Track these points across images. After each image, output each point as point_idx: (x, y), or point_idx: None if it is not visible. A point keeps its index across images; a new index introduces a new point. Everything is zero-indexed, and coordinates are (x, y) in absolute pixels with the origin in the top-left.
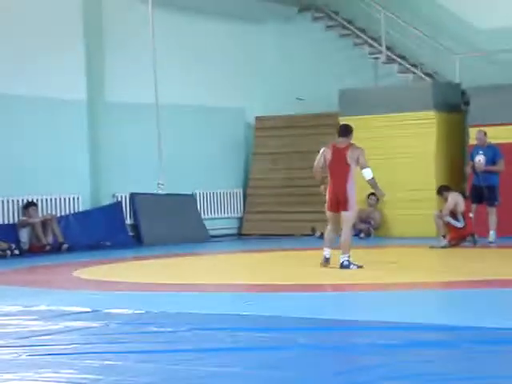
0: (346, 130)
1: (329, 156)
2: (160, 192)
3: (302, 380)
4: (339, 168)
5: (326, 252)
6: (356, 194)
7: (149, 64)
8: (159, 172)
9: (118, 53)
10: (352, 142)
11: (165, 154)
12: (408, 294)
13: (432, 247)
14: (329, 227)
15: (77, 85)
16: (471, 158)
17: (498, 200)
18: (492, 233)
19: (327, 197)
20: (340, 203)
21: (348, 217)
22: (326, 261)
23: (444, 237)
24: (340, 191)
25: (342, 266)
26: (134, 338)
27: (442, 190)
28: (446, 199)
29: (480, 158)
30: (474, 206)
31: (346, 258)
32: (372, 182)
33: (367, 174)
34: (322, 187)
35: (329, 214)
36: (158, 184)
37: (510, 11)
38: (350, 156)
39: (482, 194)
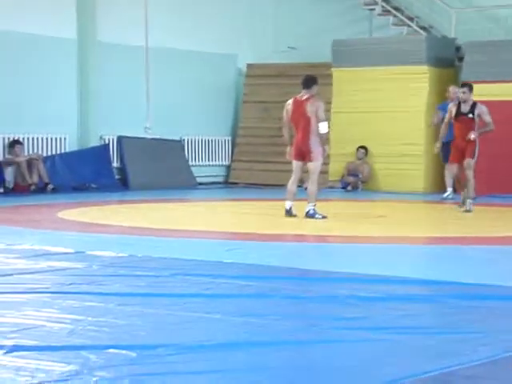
0: (307, 82)
1: (290, 108)
2: (147, 136)
3: (280, 328)
4: (300, 120)
5: (287, 204)
6: (320, 145)
7: (141, 5)
8: (147, 116)
9: None
10: (314, 93)
11: (154, 98)
12: (392, 247)
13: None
14: (291, 178)
15: (67, 23)
16: (442, 110)
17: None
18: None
19: (292, 147)
20: (304, 154)
21: (313, 167)
22: (287, 212)
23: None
24: (303, 143)
25: (308, 215)
26: (116, 280)
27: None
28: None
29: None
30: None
31: (312, 207)
32: (324, 137)
33: (323, 127)
34: (288, 151)
35: (293, 163)
36: (145, 128)
37: None
38: (310, 108)
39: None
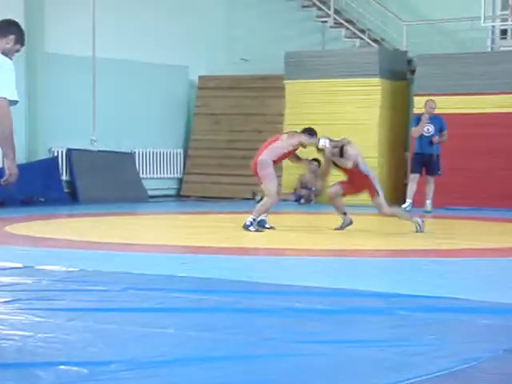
0: (305, 130)
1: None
2: (93, 149)
3: (234, 342)
4: (267, 141)
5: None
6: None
7: (88, 16)
8: (93, 128)
9: (58, 3)
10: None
11: (103, 110)
12: (345, 260)
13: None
14: None
15: None
16: (416, 125)
17: (440, 169)
18: (429, 202)
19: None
20: (256, 174)
21: (264, 189)
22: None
23: (345, 214)
24: (254, 161)
25: (243, 225)
26: (66, 295)
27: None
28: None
29: (429, 127)
30: (414, 176)
31: (250, 219)
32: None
33: (323, 142)
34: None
35: None
36: (91, 140)
37: None
38: (288, 137)
39: (426, 163)
